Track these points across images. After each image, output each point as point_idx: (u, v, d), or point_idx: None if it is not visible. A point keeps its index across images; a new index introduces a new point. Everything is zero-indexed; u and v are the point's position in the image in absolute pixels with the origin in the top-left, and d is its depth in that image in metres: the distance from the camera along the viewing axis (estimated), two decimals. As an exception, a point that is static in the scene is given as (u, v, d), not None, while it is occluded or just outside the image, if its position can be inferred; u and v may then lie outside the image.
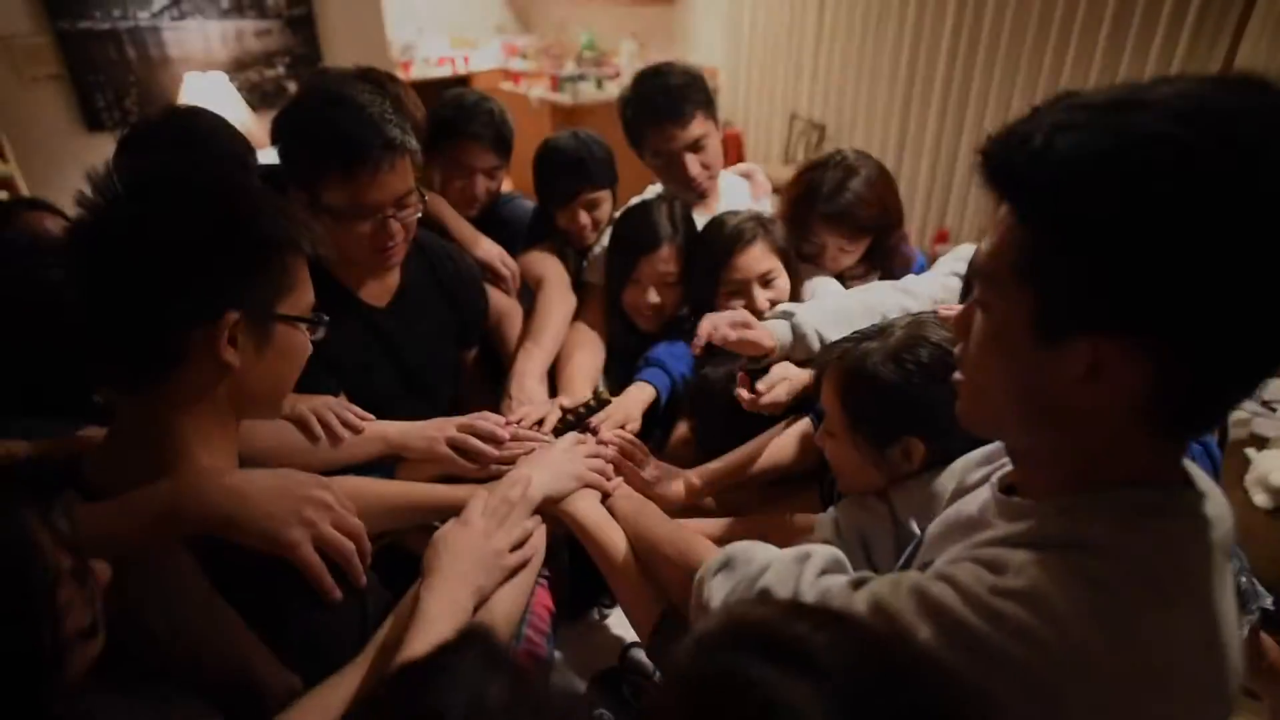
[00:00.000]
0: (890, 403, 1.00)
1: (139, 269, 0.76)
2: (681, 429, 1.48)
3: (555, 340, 1.59)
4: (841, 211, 1.55)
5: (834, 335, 1.26)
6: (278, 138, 1.25)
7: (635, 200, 1.73)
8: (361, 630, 0.89)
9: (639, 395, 1.44)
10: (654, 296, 1.56)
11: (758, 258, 1.47)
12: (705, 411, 1.41)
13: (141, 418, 0.82)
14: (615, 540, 1.10)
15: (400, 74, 5.43)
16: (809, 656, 0.49)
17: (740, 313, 1.30)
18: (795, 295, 1.54)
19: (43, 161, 3.60)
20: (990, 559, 0.63)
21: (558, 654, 1.29)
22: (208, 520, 0.78)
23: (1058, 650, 0.56)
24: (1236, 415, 2.50)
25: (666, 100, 1.65)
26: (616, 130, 1.78)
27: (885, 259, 1.66)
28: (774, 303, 1.48)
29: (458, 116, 1.73)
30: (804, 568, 0.78)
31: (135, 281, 0.76)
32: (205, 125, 1.49)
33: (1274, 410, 2.52)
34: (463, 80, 6.14)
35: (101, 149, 3.76)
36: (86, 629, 0.61)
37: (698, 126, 1.67)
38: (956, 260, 1.47)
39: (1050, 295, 0.56)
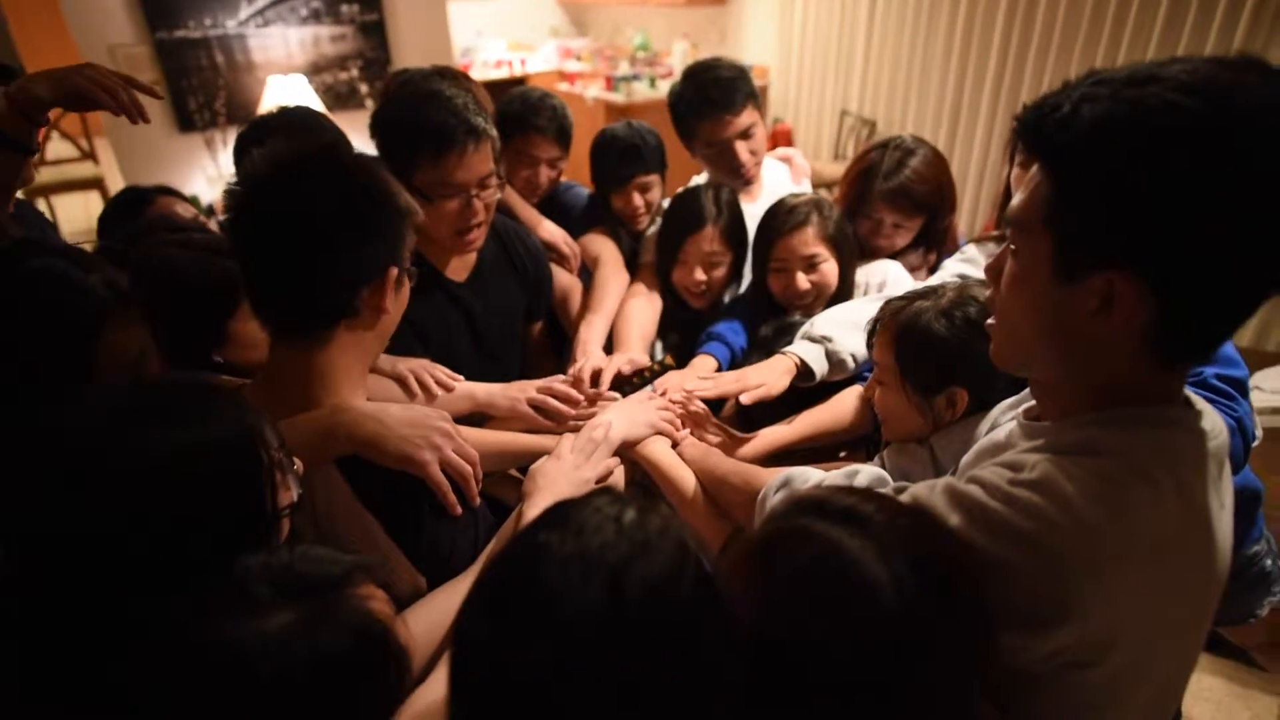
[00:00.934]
0: (939, 354, 1.10)
1: (323, 239, 0.91)
2: (729, 407, 1.57)
3: (613, 311, 1.74)
4: (899, 188, 1.64)
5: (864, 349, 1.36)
6: (376, 131, 1.41)
7: (686, 187, 1.86)
8: (475, 543, 1.05)
9: (702, 365, 1.56)
10: (700, 274, 1.67)
11: (806, 241, 1.55)
12: (747, 410, 1.48)
13: (297, 362, 0.97)
14: (685, 477, 1.24)
15: (461, 76, 5.66)
16: (857, 515, 0.65)
17: (745, 380, 1.40)
18: (851, 282, 1.62)
19: (140, 160, 3.90)
20: (1010, 461, 0.75)
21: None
22: (356, 441, 0.93)
23: (1061, 522, 0.66)
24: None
25: (719, 90, 1.76)
26: (668, 126, 1.91)
27: (938, 241, 1.75)
28: (816, 286, 1.57)
29: (525, 111, 1.88)
30: (853, 481, 0.92)
31: (320, 249, 0.91)
32: (312, 120, 1.68)
33: (1326, 398, 2.52)
34: (519, 82, 6.36)
35: (192, 148, 4.10)
36: (291, 506, 0.76)
37: (747, 116, 1.79)
38: (962, 261, 1.54)
39: (1069, 237, 0.65)
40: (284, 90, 3.78)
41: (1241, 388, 1.22)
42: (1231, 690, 2.14)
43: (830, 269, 1.57)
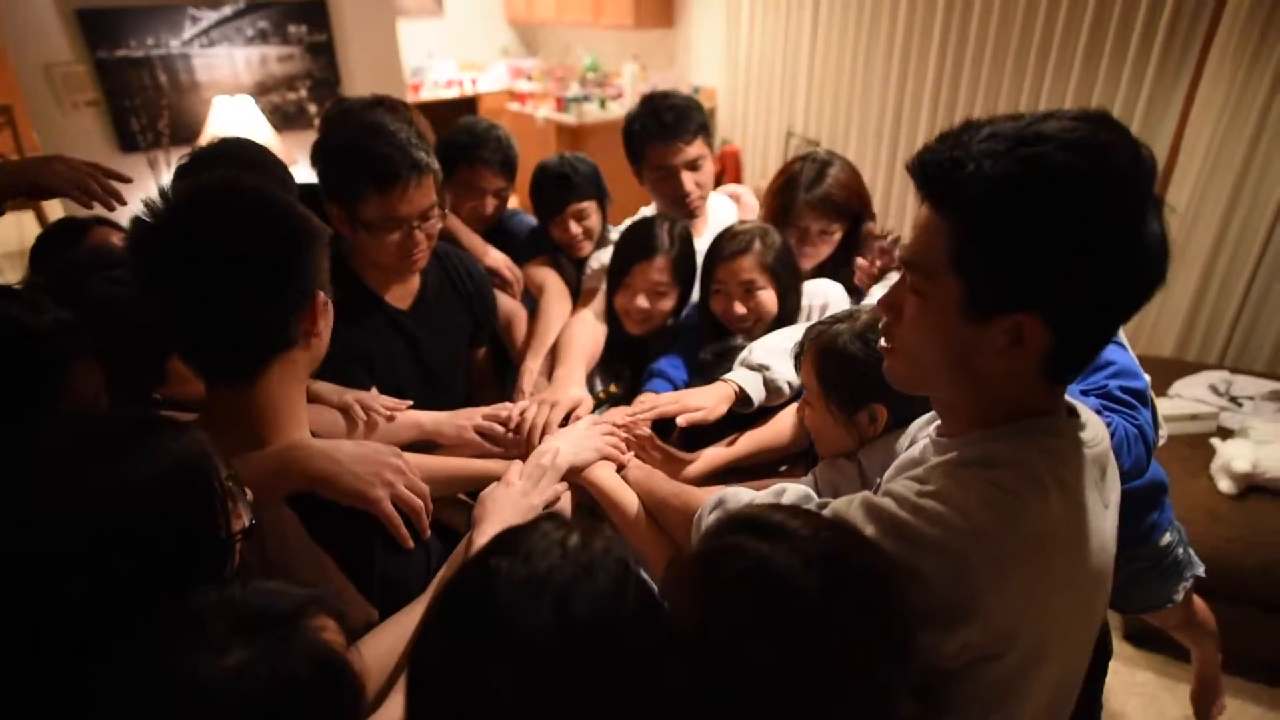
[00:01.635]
0: (857, 374, 1.17)
1: (251, 277, 0.92)
2: (674, 435, 1.61)
3: (554, 339, 1.77)
4: (823, 196, 1.76)
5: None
6: (317, 161, 1.43)
7: (636, 217, 1.92)
8: (426, 573, 1.07)
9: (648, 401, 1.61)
10: (643, 302, 1.71)
11: (744, 267, 1.61)
12: (690, 432, 1.53)
13: (235, 400, 0.97)
14: (629, 500, 1.30)
15: (411, 96, 5.67)
16: (783, 530, 0.71)
17: (684, 401, 1.45)
18: (794, 306, 1.68)
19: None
20: (917, 476, 0.83)
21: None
22: (309, 478, 0.95)
23: (963, 529, 0.74)
24: (1204, 409, 2.66)
25: (672, 115, 1.84)
26: (618, 149, 1.97)
27: (859, 247, 1.85)
28: (752, 311, 1.63)
29: (471, 142, 1.92)
30: (780, 499, 0.98)
31: (248, 287, 0.92)
32: (252, 152, 1.69)
33: (1239, 405, 2.68)
34: (470, 101, 6.38)
35: (135, 169, 4.01)
36: (243, 531, 0.77)
37: (696, 148, 1.86)
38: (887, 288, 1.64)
39: (978, 284, 0.73)
40: (230, 111, 3.74)
41: (1142, 397, 1.32)
42: (1162, 684, 2.26)
43: (768, 296, 1.63)
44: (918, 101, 4.23)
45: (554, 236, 1.94)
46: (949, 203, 0.73)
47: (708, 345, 1.64)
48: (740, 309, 1.62)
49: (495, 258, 1.91)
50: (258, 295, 0.93)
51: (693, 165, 1.87)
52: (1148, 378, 1.38)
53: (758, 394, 1.45)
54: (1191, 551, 1.69)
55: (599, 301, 1.82)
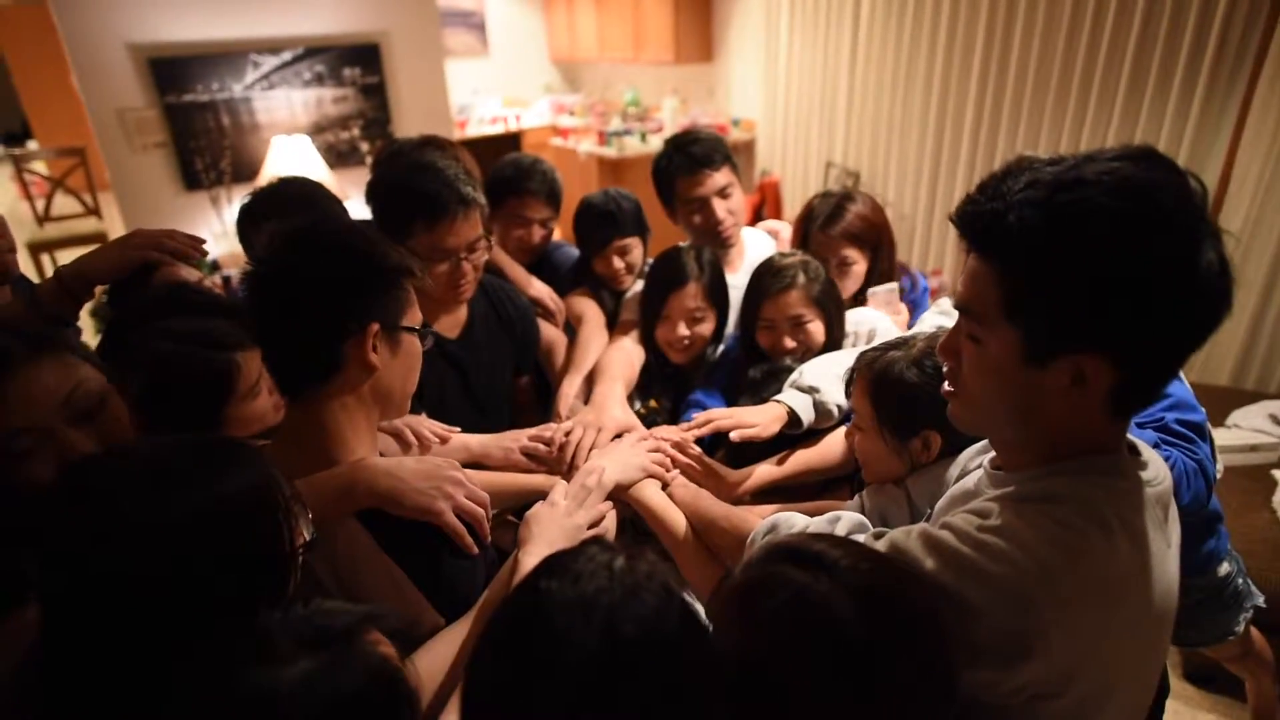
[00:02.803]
0: (912, 400, 1.17)
1: (305, 302, 1.00)
2: (719, 454, 1.61)
3: (591, 366, 1.81)
4: (841, 230, 1.81)
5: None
6: (371, 199, 1.51)
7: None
8: (487, 581, 1.11)
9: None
10: (683, 329, 1.73)
11: (791, 303, 1.62)
12: (738, 450, 1.55)
13: (306, 420, 1.05)
14: (676, 520, 1.31)
15: (457, 132, 5.85)
16: (824, 561, 0.72)
17: (739, 418, 1.47)
18: (839, 335, 1.70)
19: (145, 217, 4.01)
20: (978, 509, 0.82)
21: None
22: (375, 495, 1.00)
23: (1027, 567, 0.73)
24: (1264, 439, 2.58)
25: (698, 148, 1.89)
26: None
27: (883, 278, 1.87)
28: (802, 344, 1.65)
29: (517, 175, 2.00)
30: (835, 526, 0.99)
31: (303, 311, 1.00)
32: (310, 189, 1.79)
33: (1301, 437, 2.59)
34: (514, 137, 6.55)
35: (197, 205, 4.22)
36: (305, 545, 0.83)
37: (724, 175, 1.91)
38: (939, 314, 1.65)
39: (1035, 329, 0.73)
40: (287, 150, 3.91)
41: (1200, 430, 1.30)
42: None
43: (816, 328, 1.65)
44: (958, 132, 4.23)
45: (597, 270, 1.98)
46: (994, 253, 0.75)
47: (754, 366, 1.65)
48: (790, 343, 1.64)
49: (539, 289, 1.97)
50: (301, 314, 1.00)
51: (722, 193, 1.91)
52: (1204, 410, 1.35)
53: (807, 416, 1.46)
54: (1250, 582, 1.65)
55: (636, 331, 1.86)
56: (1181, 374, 1.38)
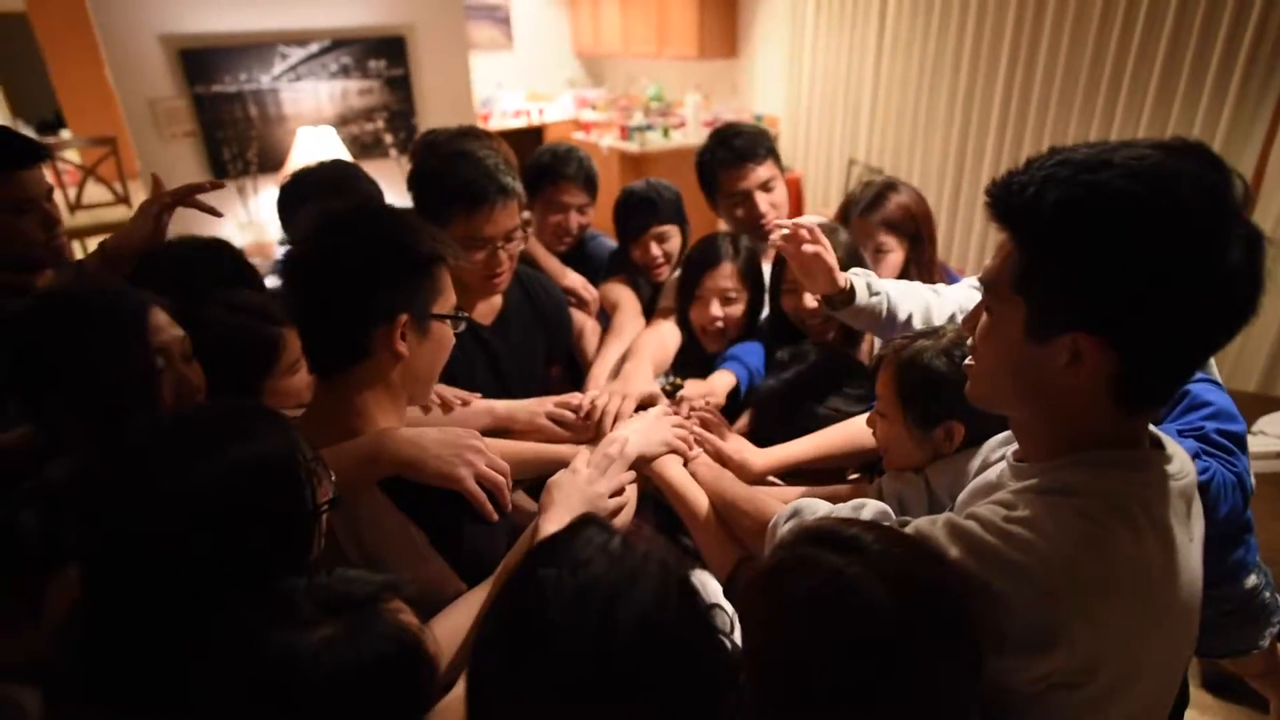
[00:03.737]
0: (939, 390, 1.16)
1: (335, 289, 1.02)
2: (741, 422, 1.64)
3: (625, 349, 1.82)
4: (884, 217, 1.81)
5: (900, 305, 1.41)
6: (412, 186, 1.53)
7: None
8: (508, 548, 1.13)
9: (723, 379, 1.66)
10: (716, 309, 1.76)
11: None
12: (764, 410, 1.57)
13: (335, 398, 1.08)
14: (698, 498, 1.31)
15: (480, 125, 5.87)
16: (857, 545, 0.73)
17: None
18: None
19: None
20: (1003, 500, 0.82)
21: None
22: (399, 463, 1.03)
23: (1052, 557, 0.74)
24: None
25: (742, 140, 1.91)
26: (681, 176, 2.03)
27: (925, 272, 1.85)
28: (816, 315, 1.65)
29: (554, 161, 2.03)
30: (859, 513, 0.99)
31: (333, 298, 1.03)
32: (347, 172, 1.81)
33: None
34: (537, 131, 6.57)
35: (224, 195, 4.25)
36: (328, 503, 0.87)
37: (767, 169, 1.92)
38: (972, 287, 1.65)
39: (1038, 303, 0.74)
40: (313, 141, 3.94)
41: (1240, 442, 1.28)
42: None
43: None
44: (983, 130, 4.19)
45: (634, 258, 1.99)
46: (1012, 225, 0.76)
47: (782, 348, 1.67)
48: (812, 302, 1.63)
49: (573, 279, 1.99)
50: (336, 305, 1.03)
51: (765, 187, 1.92)
52: (1245, 422, 1.33)
53: (862, 296, 1.39)
54: (1278, 596, 1.62)
55: (674, 317, 1.88)
56: (1221, 383, 1.37)
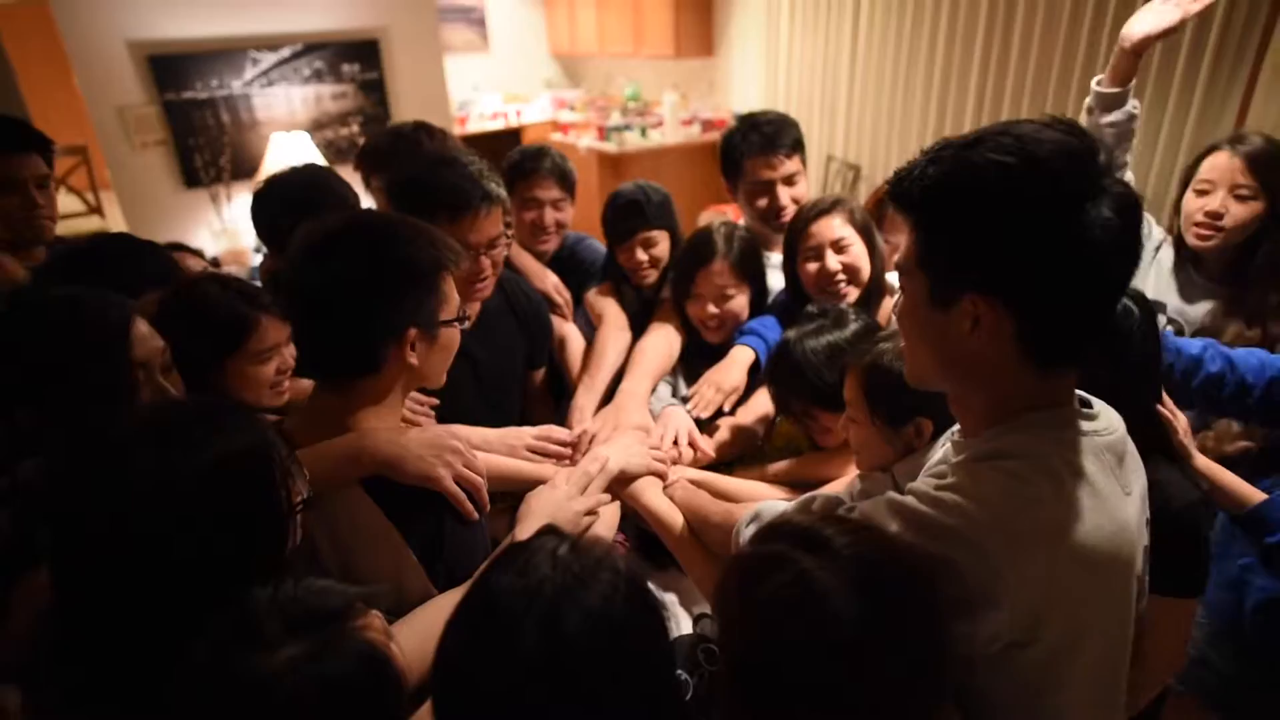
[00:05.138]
0: (903, 389, 1.18)
1: (340, 309, 1.02)
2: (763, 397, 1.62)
3: (609, 373, 1.79)
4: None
5: None
6: (395, 190, 1.51)
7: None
8: (485, 550, 1.13)
9: (742, 358, 1.65)
10: (712, 308, 1.74)
11: (832, 226, 1.64)
12: (784, 378, 1.53)
13: (335, 403, 1.07)
14: (676, 520, 1.32)
15: (457, 128, 5.84)
16: (816, 537, 0.75)
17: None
18: (880, 269, 1.71)
19: (146, 215, 4.02)
20: (937, 473, 0.87)
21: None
22: (379, 462, 1.03)
23: (979, 517, 0.78)
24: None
25: (772, 129, 1.89)
26: (660, 175, 2.04)
27: None
28: (847, 268, 1.64)
29: (524, 158, 2.02)
30: (812, 505, 1.04)
31: (338, 318, 1.02)
32: (323, 176, 1.80)
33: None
34: (515, 133, 6.55)
35: (197, 203, 4.22)
36: (303, 502, 0.86)
37: (793, 163, 1.91)
38: None
39: (935, 274, 0.80)
40: (286, 146, 3.91)
41: None
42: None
43: (860, 252, 1.66)
44: (959, 125, 4.22)
45: (620, 261, 1.97)
46: (907, 208, 0.82)
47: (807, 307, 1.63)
48: (834, 264, 1.64)
49: (548, 283, 1.97)
50: (343, 324, 1.03)
51: (789, 180, 1.92)
52: None
53: None
54: None
55: (672, 313, 1.86)
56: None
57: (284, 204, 1.72)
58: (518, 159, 2.02)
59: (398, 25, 4.44)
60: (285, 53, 4.17)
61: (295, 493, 0.85)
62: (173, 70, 3.89)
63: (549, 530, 0.73)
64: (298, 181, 1.78)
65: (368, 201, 2.08)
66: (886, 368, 1.21)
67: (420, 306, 1.06)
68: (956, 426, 1.05)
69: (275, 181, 1.76)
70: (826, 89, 4.94)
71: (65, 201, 4.91)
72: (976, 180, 0.75)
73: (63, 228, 4.87)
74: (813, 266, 1.66)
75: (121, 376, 1.05)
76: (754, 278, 1.79)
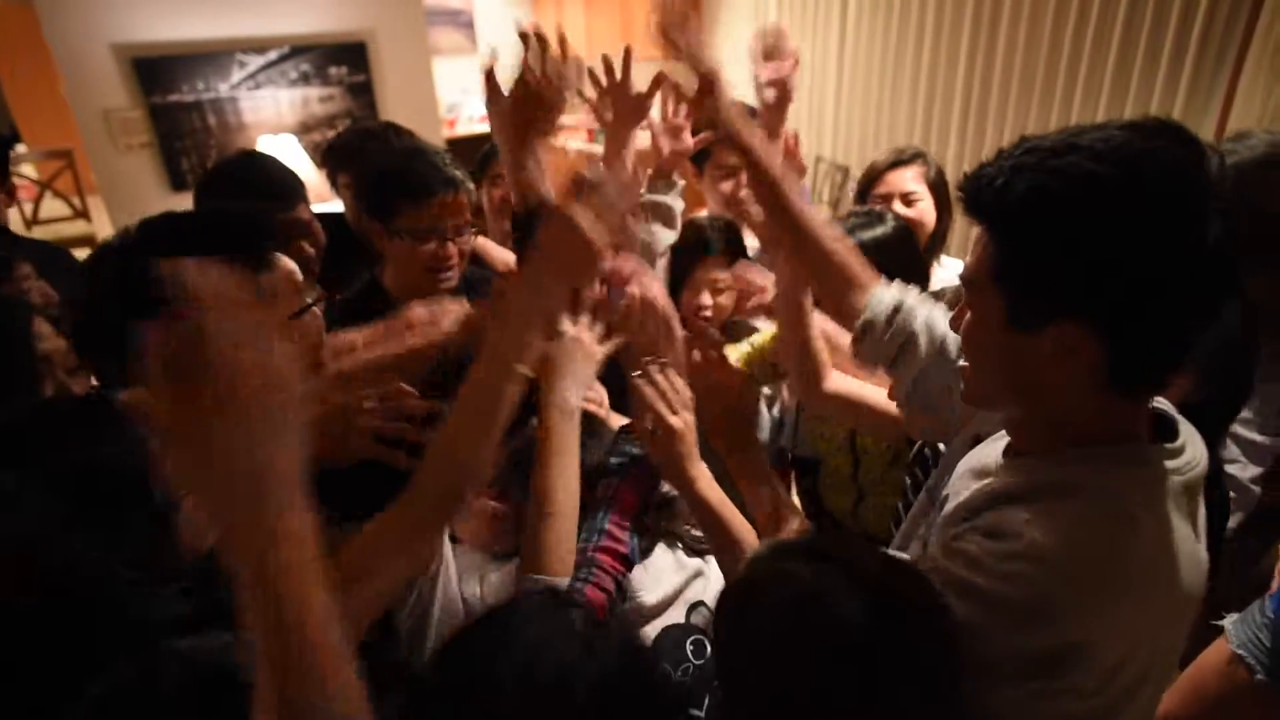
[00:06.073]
0: None
1: None
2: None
3: None
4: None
5: None
6: (363, 180, 1.55)
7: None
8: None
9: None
10: (706, 299, 1.76)
11: (905, 179, 1.79)
12: None
13: None
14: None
15: (446, 131, 5.83)
16: (828, 554, 0.71)
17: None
18: (945, 228, 1.84)
19: (133, 218, 3.99)
20: (991, 527, 0.77)
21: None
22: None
23: (1057, 585, 0.71)
24: None
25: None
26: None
27: (939, 243, 1.93)
28: (914, 223, 1.73)
29: (491, 152, 2.07)
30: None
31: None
32: (263, 162, 1.82)
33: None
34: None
35: (184, 207, 4.17)
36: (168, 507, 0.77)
37: None
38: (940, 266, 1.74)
39: (1019, 294, 0.73)
40: (274, 150, 3.90)
41: None
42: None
43: (926, 208, 1.79)
44: (946, 124, 4.24)
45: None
46: (985, 218, 0.75)
47: None
48: (907, 212, 1.73)
49: (511, 263, 1.99)
50: None
51: None
52: None
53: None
54: None
55: None
56: None
57: (229, 190, 1.71)
58: (489, 149, 2.07)
59: (385, 28, 4.44)
60: (272, 55, 4.16)
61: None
62: (158, 73, 3.88)
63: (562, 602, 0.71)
64: (238, 165, 1.80)
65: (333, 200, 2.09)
66: None
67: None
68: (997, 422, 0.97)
69: (212, 171, 1.78)
70: (814, 90, 4.95)
71: (51, 205, 4.88)
72: (1073, 194, 0.68)
73: (49, 232, 4.87)
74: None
75: (26, 372, 1.03)
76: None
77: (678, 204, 1.70)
